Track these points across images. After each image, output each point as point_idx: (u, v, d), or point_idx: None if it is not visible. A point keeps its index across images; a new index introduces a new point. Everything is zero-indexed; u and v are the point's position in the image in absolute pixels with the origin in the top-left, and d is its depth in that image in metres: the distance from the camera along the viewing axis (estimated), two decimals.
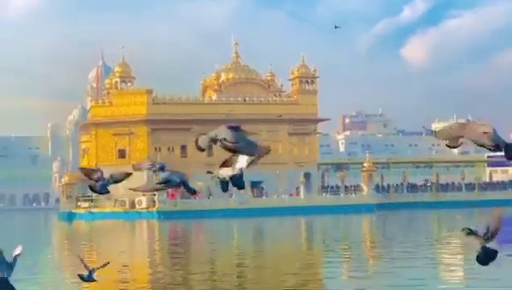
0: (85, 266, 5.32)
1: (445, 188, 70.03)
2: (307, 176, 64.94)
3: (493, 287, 14.20)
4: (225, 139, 3.62)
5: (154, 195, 58.58)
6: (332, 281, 16.21)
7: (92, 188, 4.55)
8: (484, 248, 3.64)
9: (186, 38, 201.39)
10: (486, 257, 3.69)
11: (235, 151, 3.72)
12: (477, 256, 3.68)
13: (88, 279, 5.23)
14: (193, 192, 4.33)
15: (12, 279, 4.65)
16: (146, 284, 16.51)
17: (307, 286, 15.26)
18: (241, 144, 3.61)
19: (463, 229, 3.75)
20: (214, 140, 3.69)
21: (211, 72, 73.95)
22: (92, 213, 60.82)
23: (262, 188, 64.52)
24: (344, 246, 26.48)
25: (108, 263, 5.35)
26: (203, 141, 3.73)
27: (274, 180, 63.36)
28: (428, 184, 69.88)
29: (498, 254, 3.67)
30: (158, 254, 25.77)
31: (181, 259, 22.54)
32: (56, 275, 18.88)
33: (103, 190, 4.52)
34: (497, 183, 73.04)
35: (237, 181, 3.92)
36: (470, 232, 3.72)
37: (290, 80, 72.65)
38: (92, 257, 24.67)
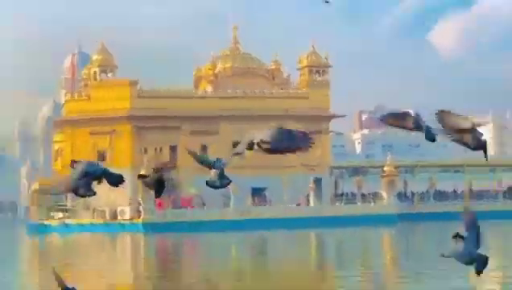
0: (61, 283, 5.22)
1: (480, 195, 69.93)
2: (317, 181, 64.88)
3: None
4: (262, 141, 3.66)
5: (140, 204, 58.63)
6: None
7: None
8: (479, 255, 3.90)
9: (177, 20, 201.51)
10: (482, 264, 3.89)
11: (274, 152, 3.76)
12: (476, 266, 3.94)
13: None
14: (116, 183, 4.06)
15: None
16: None
17: None
18: (278, 142, 3.65)
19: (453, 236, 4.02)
20: (251, 144, 3.73)
21: (205, 60, 73.98)
22: (67, 225, 60.81)
23: (265, 196, 64.53)
24: (361, 265, 26.39)
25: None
26: (240, 147, 3.76)
27: (279, 186, 63.33)
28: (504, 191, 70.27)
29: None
30: (143, 276, 25.69)
31: (170, 282, 22.46)
32: None
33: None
34: None
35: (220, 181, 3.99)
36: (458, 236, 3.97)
37: (298, 69, 72.62)
38: (67, 279, 24.57)
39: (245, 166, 66.69)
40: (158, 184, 4.12)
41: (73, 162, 4.04)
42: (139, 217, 58.44)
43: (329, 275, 24.25)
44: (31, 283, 23.87)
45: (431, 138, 3.74)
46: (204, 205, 60.12)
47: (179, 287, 21.02)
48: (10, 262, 33.94)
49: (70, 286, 5.09)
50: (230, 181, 4.13)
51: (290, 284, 20.65)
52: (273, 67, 74.28)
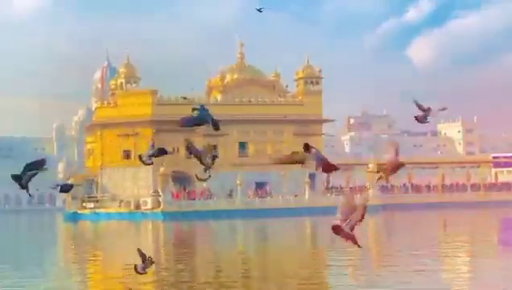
0: (143, 257, 5.72)
1: (450, 188, 69.94)
2: (312, 176, 64.87)
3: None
4: None
5: (160, 196, 58.76)
6: (337, 280, 16.21)
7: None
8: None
9: (191, 38, 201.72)
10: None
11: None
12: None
13: (142, 271, 5.66)
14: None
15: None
16: (150, 285, 16.55)
17: (312, 286, 15.27)
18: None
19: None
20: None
21: (216, 73, 74.08)
22: (98, 213, 60.97)
23: (267, 189, 64.59)
24: (348, 246, 26.43)
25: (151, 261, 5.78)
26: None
27: (279, 180, 63.37)
28: None
29: None
30: (162, 255, 25.80)
31: (186, 260, 22.54)
32: (62, 275, 18.94)
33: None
34: (503, 184, 72.90)
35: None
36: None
37: (295, 80, 72.65)
38: (98, 258, 24.76)
39: (251, 164, 66.95)
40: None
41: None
42: (159, 207, 58.56)
43: (321, 254, 24.32)
44: (68, 257, 24.02)
45: (216, 128, 4.10)
46: (210, 196, 60.26)
47: (193, 265, 21.13)
48: (52, 243, 34.16)
49: (149, 257, 5.55)
50: (209, 176, 4.36)
51: (287, 261, 20.74)
52: (273, 78, 74.29)
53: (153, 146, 4.88)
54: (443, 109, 4.76)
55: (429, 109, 4.49)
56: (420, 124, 4.52)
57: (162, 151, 4.90)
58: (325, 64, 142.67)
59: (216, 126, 4.27)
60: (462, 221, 43.86)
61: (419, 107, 4.62)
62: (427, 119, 4.53)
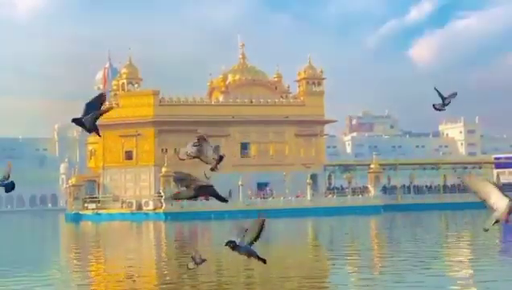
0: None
1: (452, 189, 69.89)
2: (313, 177, 64.94)
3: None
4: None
5: (161, 197, 58.85)
6: (338, 280, 16.24)
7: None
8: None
9: (193, 39, 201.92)
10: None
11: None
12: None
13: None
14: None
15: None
16: (152, 284, 16.60)
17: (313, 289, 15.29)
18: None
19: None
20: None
21: (218, 73, 74.20)
22: (99, 214, 61.07)
23: (268, 190, 64.62)
24: (349, 246, 26.47)
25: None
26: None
27: (280, 181, 63.41)
28: None
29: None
30: (164, 255, 25.85)
31: (187, 260, 22.58)
32: (63, 276, 18.99)
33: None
34: (505, 184, 72.78)
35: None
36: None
37: (296, 81, 72.71)
38: (100, 258, 24.82)
39: (252, 164, 67.01)
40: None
41: None
42: (161, 208, 58.66)
43: (323, 254, 24.36)
44: (71, 258, 24.09)
45: (97, 132, 4.10)
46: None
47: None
48: (54, 243, 34.23)
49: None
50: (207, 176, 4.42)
51: (289, 262, 20.76)
52: (275, 79, 74.38)
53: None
54: (454, 94, 4.92)
55: (448, 98, 4.67)
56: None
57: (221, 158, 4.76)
58: (327, 64, 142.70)
59: (96, 131, 4.21)
60: (463, 221, 43.83)
61: (440, 95, 4.83)
62: (444, 107, 4.69)
